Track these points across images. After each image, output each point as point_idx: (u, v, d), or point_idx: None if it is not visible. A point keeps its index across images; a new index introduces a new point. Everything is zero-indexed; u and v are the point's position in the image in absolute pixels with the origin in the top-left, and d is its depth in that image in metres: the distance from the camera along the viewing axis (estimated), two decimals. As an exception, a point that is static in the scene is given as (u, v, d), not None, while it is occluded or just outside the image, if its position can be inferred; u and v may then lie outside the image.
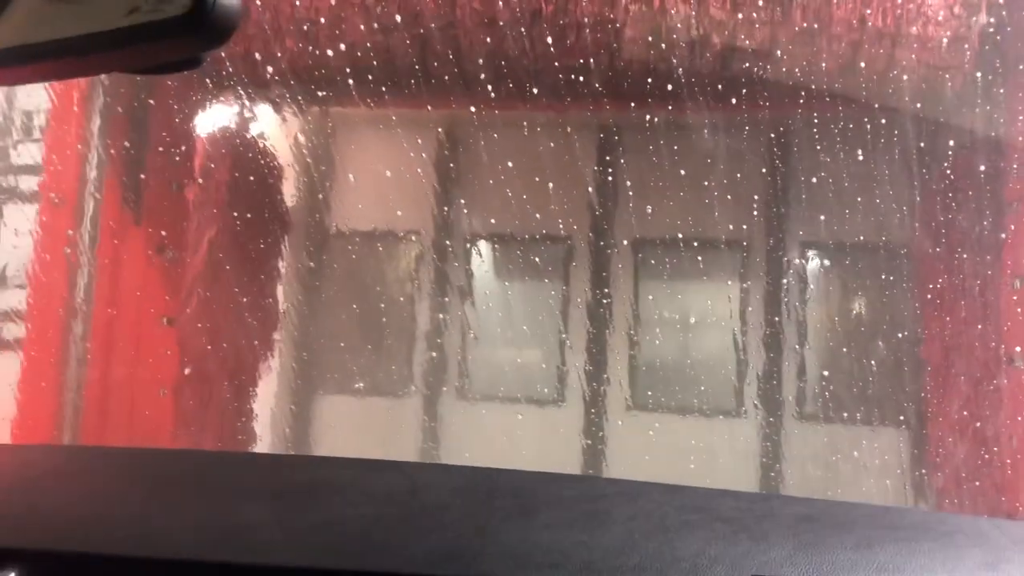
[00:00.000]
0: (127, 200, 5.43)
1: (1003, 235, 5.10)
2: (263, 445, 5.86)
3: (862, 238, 5.73)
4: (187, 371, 5.41)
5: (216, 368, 5.58)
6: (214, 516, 1.36)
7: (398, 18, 5.04)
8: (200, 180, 5.62)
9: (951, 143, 5.32)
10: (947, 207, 5.31)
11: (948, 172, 5.33)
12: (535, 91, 5.20)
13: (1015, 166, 5.04)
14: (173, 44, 1.09)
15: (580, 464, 5.82)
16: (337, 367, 6.21)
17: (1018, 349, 4.90)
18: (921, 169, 5.39)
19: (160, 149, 5.52)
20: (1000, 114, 5.11)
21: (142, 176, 5.47)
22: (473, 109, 5.64)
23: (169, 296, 5.52)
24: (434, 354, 6.16)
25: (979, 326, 5.17)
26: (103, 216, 5.34)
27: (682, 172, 5.49)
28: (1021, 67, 4.96)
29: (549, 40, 5.02)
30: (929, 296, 5.49)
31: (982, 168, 5.15)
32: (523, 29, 5.01)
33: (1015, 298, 4.98)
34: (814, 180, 5.55)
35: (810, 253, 5.96)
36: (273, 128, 6.00)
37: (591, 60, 5.09)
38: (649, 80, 5.11)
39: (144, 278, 5.46)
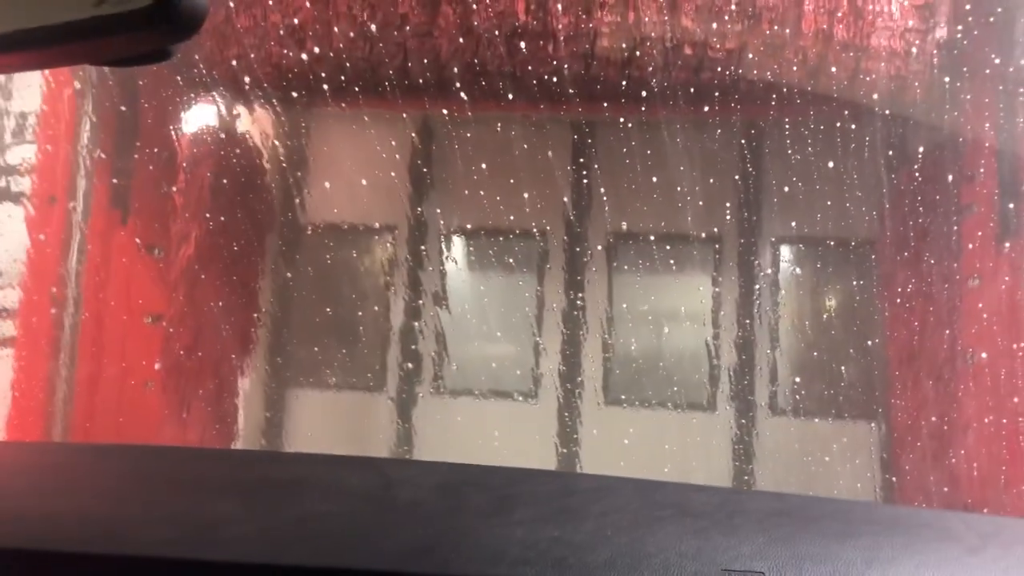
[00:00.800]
0: (115, 200, 5.36)
1: (961, 236, 5.12)
2: (240, 440, 5.79)
3: (830, 237, 5.74)
4: (157, 366, 5.35)
5: (196, 364, 5.51)
6: (187, 512, 1.31)
7: (378, 23, 5.00)
8: (185, 180, 5.55)
9: (914, 147, 5.35)
10: (910, 208, 5.33)
11: (912, 175, 5.35)
12: (511, 94, 5.17)
13: (978, 170, 5.06)
14: (141, 36, 1.05)
15: (554, 459, 5.78)
16: (312, 363, 6.15)
17: (972, 350, 4.93)
18: (886, 171, 5.40)
19: (148, 150, 5.46)
20: (961, 120, 5.13)
21: (130, 177, 5.41)
22: (449, 110, 5.61)
23: (154, 294, 5.45)
24: (409, 350, 6.10)
25: (940, 324, 5.19)
26: (92, 216, 5.27)
27: (655, 173, 5.47)
28: (982, 73, 4.97)
29: (526, 46, 5.00)
30: (893, 294, 5.50)
31: (943, 171, 5.17)
32: (500, 35, 4.98)
33: (973, 297, 5.00)
34: (784, 181, 5.55)
35: (781, 252, 5.96)
36: (255, 128, 5.94)
37: (566, 65, 5.07)
38: (623, 83, 5.10)
39: (129, 276, 5.39)
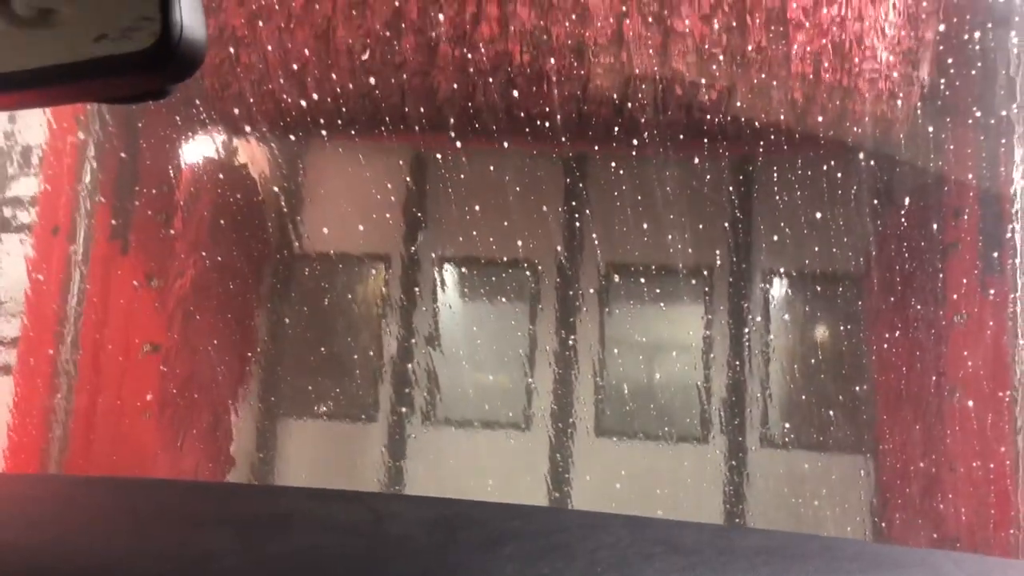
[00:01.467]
0: (116, 231, 5.37)
1: (945, 274, 5.16)
2: (233, 470, 5.75)
3: (820, 274, 5.76)
4: (148, 396, 5.33)
5: (192, 394, 5.49)
6: (178, 546, 1.28)
7: (376, 62, 5.04)
8: (184, 212, 5.56)
9: (900, 187, 5.39)
10: (896, 246, 5.36)
11: (897, 213, 5.38)
12: (504, 132, 5.20)
13: (962, 210, 5.11)
14: (139, 76, 1.05)
15: (545, 490, 5.73)
16: (304, 394, 6.12)
17: (958, 389, 4.94)
18: (872, 209, 5.44)
19: (148, 182, 5.48)
20: (944, 164, 5.19)
21: (131, 208, 5.43)
22: (444, 147, 5.65)
23: (153, 324, 5.44)
24: (400, 379, 6.08)
25: (926, 360, 5.19)
26: (94, 247, 5.28)
27: (646, 210, 5.49)
28: (964, 123, 5.04)
29: (520, 86, 5.04)
30: (880, 329, 5.51)
31: (928, 211, 5.22)
32: (496, 76, 5.02)
33: (957, 334, 5.01)
34: (774, 219, 5.57)
35: (771, 289, 5.97)
36: (252, 164, 5.96)
37: (559, 105, 5.10)
38: (615, 123, 5.14)
39: (129, 306, 5.38)
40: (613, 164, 5.57)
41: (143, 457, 5.32)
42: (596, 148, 5.48)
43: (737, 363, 5.83)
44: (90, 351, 5.30)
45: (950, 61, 4.98)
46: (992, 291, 4.95)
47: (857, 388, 5.61)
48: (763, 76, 4.93)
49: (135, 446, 5.29)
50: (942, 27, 4.85)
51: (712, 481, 5.71)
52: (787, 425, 5.77)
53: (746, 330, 5.84)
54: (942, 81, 4.97)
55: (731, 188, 5.86)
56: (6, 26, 1.09)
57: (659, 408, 5.87)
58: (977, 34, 4.96)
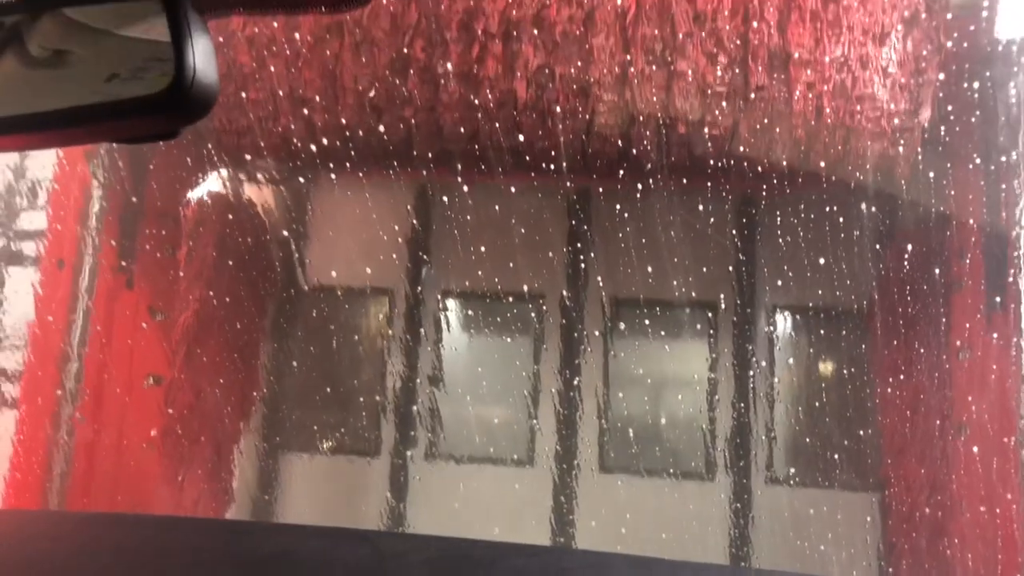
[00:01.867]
0: (122, 264, 5.41)
1: (949, 314, 5.16)
2: (235, 505, 5.72)
3: (825, 310, 5.75)
4: (152, 432, 5.33)
5: (195, 429, 5.48)
6: (179, 585, 1.28)
7: (383, 98, 5.10)
8: (190, 247, 5.60)
9: (904, 222, 5.41)
10: (900, 286, 5.37)
11: (900, 253, 5.40)
12: (509, 167, 5.25)
13: (966, 248, 5.13)
14: (153, 119, 1.07)
15: (548, 527, 5.69)
16: (307, 428, 6.11)
17: (964, 425, 4.92)
18: (875, 250, 5.46)
19: (154, 217, 5.52)
20: (945, 205, 5.22)
21: (137, 242, 5.47)
22: (449, 182, 5.70)
23: (157, 357, 5.45)
24: (403, 416, 6.07)
25: (932, 397, 5.18)
26: (100, 280, 5.30)
27: (650, 245, 5.51)
28: (965, 167, 5.09)
29: (525, 122, 5.09)
30: (885, 370, 5.49)
31: (932, 248, 5.24)
32: (501, 112, 5.07)
33: (962, 370, 5.01)
34: (779, 256, 5.58)
35: (776, 326, 5.96)
36: (259, 198, 6.01)
37: (564, 141, 5.15)
38: (619, 159, 5.18)
39: (134, 340, 5.40)
40: (617, 202, 5.61)
41: (145, 492, 5.30)
42: (600, 185, 5.52)
43: (742, 403, 5.81)
44: (94, 384, 5.31)
45: (950, 108, 5.04)
46: (995, 334, 4.96)
47: (862, 429, 5.59)
48: (765, 116, 4.99)
49: (137, 480, 5.27)
50: (942, 75, 4.91)
51: (717, 521, 5.67)
52: (792, 469, 5.74)
53: (751, 370, 5.83)
54: (942, 127, 5.02)
55: (735, 226, 5.89)
56: (21, 67, 1.11)
57: (664, 446, 5.85)
58: (976, 83, 5.02)
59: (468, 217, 5.74)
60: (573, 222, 5.97)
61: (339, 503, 6.00)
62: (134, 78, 1.08)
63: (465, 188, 5.65)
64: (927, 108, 5.03)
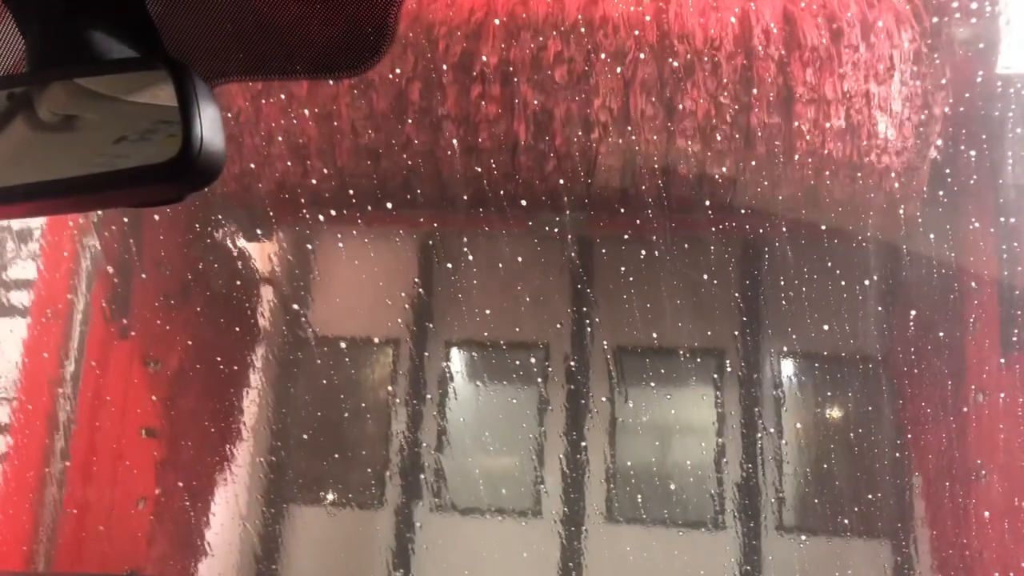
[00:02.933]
0: (115, 315, 5.44)
1: (965, 351, 5.18)
2: (229, 559, 5.69)
3: (834, 353, 5.76)
4: (158, 491, 5.33)
5: (190, 482, 5.49)
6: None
7: (382, 142, 5.17)
8: (185, 296, 5.64)
9: (913, 263, 5.45)
10: (914, 324, 5.39)
11: (912, 290, 5.43)
12: (510, 211, 5.30)
13: (979, 286, 5.17)
14: (161, 186, 1.11)
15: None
16: (308, 481, 6.10)
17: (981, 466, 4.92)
18: (887, 286, 5.50)
19: (149, 266, 5.56)
20: (957, 238, 5.27)
21: (130, 292, 5.50)
22: (448, 226, 5.75)
23: (150, 408, 5.46)
24: (408, 466, 6.06)
25: (949, 440, 5.19)
26: (91, 331, 5.33)
27: (655, 289, 5.54)
28: (976, 201, 5.15)
29: (526, 164, 5.15)
30: (900, 414, 5.50)
31: (944, 287, 5.27)
32: (501, 154, 5.14)
33: (978, 412, 5.02)
34: (786, 298, 5.60)
35: (783, 369, 5.97)
36: (257, 246, 6.05)
37: (565, 183, 5.21)
38: (621, 201, 5.24)
39: (127, 391, 5.41)
40: (621, 246, 5.66)
41: (136, 551, 5.28)
42: (602, 228, 5.57)
43: (749, 449, 5.81)
44: (84, 437, 5.31)
45: (956, 143, 5.12)
46: (1018, 367, 4.97)
47: (876, 474, 5.57)
48: (769, 155, 5.05)
49: (128, 538, 5.25)
50: (947, 110, 4.99)
51: (727, 570, 5.64)
52: (801, 514, 5.72)
53: (758, 417, 5.84)
54: (949, 165, 5.10)
55: (740, 270, 5.92)
56: (31, 132, 1.16)
57: (672, 494, 5.84)
58: (982, 114, 5.11)
59: (470, 259, 5.79)
60: (576, 263, 6.02)
61: (345, 555, 5.96)
62: (142, 139, 1.13)
63: (466, 233, 5.70)
64: (933, 144, 5.10)
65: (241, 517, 5.77)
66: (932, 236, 5.21)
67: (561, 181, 5.15)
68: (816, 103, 4.95)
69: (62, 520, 5.18)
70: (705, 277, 5.55)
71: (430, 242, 6.07)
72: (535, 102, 5.05)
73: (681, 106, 4.97)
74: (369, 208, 5.47)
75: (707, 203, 5.17)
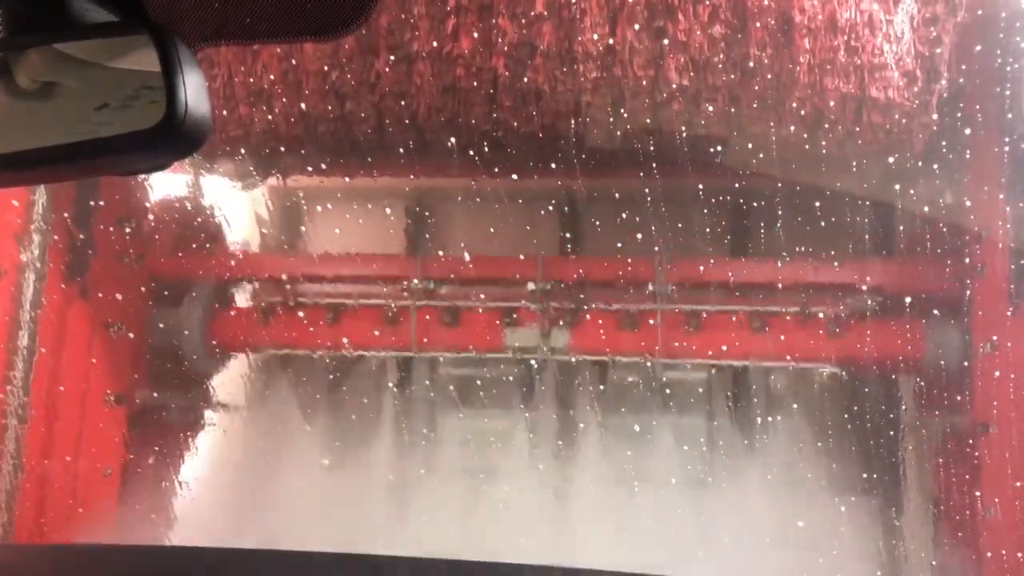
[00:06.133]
0: (72, 273, 5.46)
1: (973, 297, 5.30)
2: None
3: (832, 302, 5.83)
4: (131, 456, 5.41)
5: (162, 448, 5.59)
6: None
7: (350, 84, 5.16)
8: (150, 252, 5.68)
9: (920, 203, 5.51)
10: (920, 266, 5.50)
11: (918, 234, 5.51)
12: (492, 160, 5.34)
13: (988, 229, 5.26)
14: (144, 154, 1.19)
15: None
16: (289, 444, 6.20)
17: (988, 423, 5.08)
18: (887, 240, 5.61)
19: (110, 219, 5.57)
20: (965, 175, 5.33)
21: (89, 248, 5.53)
22: (428, 178, 5.79)
23: (114, 373, 5.52)
24: (397, 422, 6.18)
25: (952, 391, 5.33)
26: (47, 290, 5.34)
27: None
28: (987, 131, 5.20)
29: (505, 104, 5.16)
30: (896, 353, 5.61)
31: (951, 230, 5.36)
32: (479, 94, 5.14)
33: (984, 363, 5.15)
34: (784, 250, 5.65)
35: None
36: (227, 198, 6.07)
37: (552, 124, 5.23)
38: (611, 146, 5.27)
39: (89, 355, 5.46)
40: (609, 193, 5.71)
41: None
42: (590, 173, 5.60)
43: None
44: (42, 403, 5.36)
45: (967, 66, 5.14)
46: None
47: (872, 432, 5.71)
48: (768, 88, 5.08)
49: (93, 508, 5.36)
50: (958, 41, 5.02)
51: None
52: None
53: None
54: (959, 98, 5.13)
55: (735, 219, 6.00)
56: (11, 101, 1.23)
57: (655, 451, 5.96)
58: (996, 50, 5.14)
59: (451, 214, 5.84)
60: (560, 214, 6.09)
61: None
62: (125, 106, 1.20)
63: (448, 184, 5.75)
64: (943, 77, 5.14)
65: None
66: (938, 176, 5.27)
67: (543, 124, 5.17)
68: (818, 31, 4.97)
69: (22, 490, 5.25)
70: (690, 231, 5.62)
71: (406, 188, 6.12)
72: (515, 35, 5.04)
73: (672, 36, 4.96)
74: (341, 160, 5.49)
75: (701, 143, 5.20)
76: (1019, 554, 4.89)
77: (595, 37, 4.95)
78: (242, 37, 1.25)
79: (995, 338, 5.16)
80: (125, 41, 1.19)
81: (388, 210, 6.23)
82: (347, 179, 5.92)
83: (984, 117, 5.20)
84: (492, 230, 5.83)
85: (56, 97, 1.25)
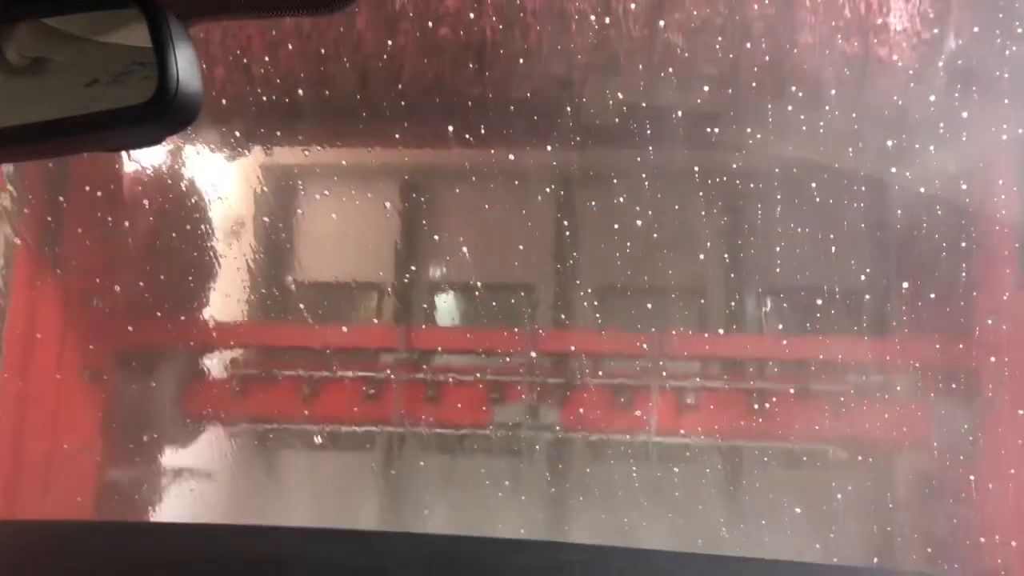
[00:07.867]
0: (44, 244, 5.47)
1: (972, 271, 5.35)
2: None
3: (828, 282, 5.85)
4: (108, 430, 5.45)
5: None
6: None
7: (330, 47, 5.16)
8: (127, 222, 5.68)
9: (924, 169, 5.54)
10: (919, 243, 5.53)
11: (919, 208, 5.54)
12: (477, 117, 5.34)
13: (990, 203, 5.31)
14: (135, 130, 1.22)
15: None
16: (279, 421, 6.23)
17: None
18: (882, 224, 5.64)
19: (85, 184, 5.56)
20: (972, 139, 5.36)
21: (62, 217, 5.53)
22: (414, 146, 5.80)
23: (92, 349, 5.55)
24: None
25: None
26: (16, 262, 5.35)
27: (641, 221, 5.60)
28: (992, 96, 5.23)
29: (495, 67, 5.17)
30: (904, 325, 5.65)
31: (954, 202, 5.40)
32: (465, 55, 5.15)
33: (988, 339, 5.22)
34: (779, 231, 5.65)
35: (766, 306, 6.07)
36: (210, 169, 6.06)
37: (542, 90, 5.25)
38: (611, 134, 5.29)
39: (63, 329, 5.48)
40: (611, 172, 5.72)
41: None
42: (582, 143, 5.60)
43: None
44: (15, 378, 5.39)
45: (975, 30, 5.14)
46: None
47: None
48: (767, 47, 5.10)
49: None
50: None
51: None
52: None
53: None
54: (965, 45, 5.14)
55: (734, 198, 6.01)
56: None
57: None
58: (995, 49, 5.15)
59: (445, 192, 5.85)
60: (557, 195, 6.10)
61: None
62: (116, 82, 1.23)
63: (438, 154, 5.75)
64: (950, 37, 5.16)
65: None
66: (945, 142, 5.28)
67: (532, 95, 5.18)
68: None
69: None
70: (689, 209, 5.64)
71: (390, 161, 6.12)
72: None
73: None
74: (321, 120, 5.50)
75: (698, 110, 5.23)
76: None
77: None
78: (233, 13, 1.28)
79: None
80: (115, 15, 1.22)
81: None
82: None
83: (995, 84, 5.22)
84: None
85: (45, 73, 1.27)
